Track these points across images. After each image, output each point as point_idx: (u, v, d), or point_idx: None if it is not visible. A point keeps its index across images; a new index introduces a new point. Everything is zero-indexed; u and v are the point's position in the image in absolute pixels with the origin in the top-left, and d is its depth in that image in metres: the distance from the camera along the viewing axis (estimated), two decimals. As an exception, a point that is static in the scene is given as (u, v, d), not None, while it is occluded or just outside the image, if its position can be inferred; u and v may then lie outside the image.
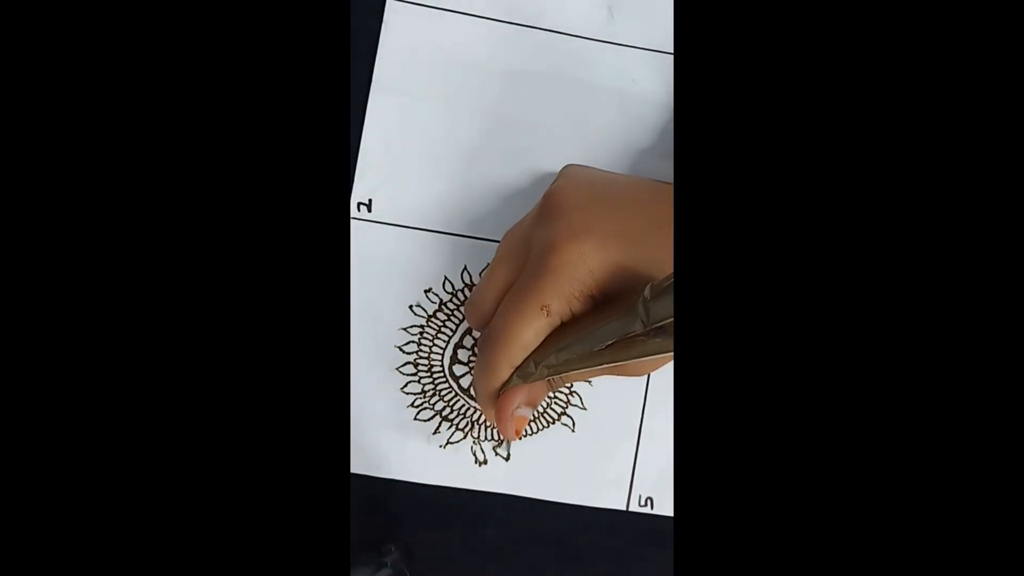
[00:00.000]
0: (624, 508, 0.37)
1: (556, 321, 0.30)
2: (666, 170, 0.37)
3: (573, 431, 0.37)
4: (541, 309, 0.29)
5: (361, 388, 0.36)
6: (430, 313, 0.36)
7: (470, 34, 0.37)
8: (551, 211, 0.31)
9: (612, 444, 0.37)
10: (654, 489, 0.37)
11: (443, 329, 0.37)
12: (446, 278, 0.37)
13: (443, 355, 0.37)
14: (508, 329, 0.30)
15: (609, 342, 0.28)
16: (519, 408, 0.31)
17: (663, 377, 0.37)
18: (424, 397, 0.36)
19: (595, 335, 0.28)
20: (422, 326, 0.37)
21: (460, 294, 0.37)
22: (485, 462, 0.36)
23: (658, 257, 0.30)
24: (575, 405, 0.37)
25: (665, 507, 0.37)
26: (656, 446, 0.37)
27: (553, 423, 0.37)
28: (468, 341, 0.37)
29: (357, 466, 0.36)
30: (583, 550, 0.37)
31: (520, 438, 0.32)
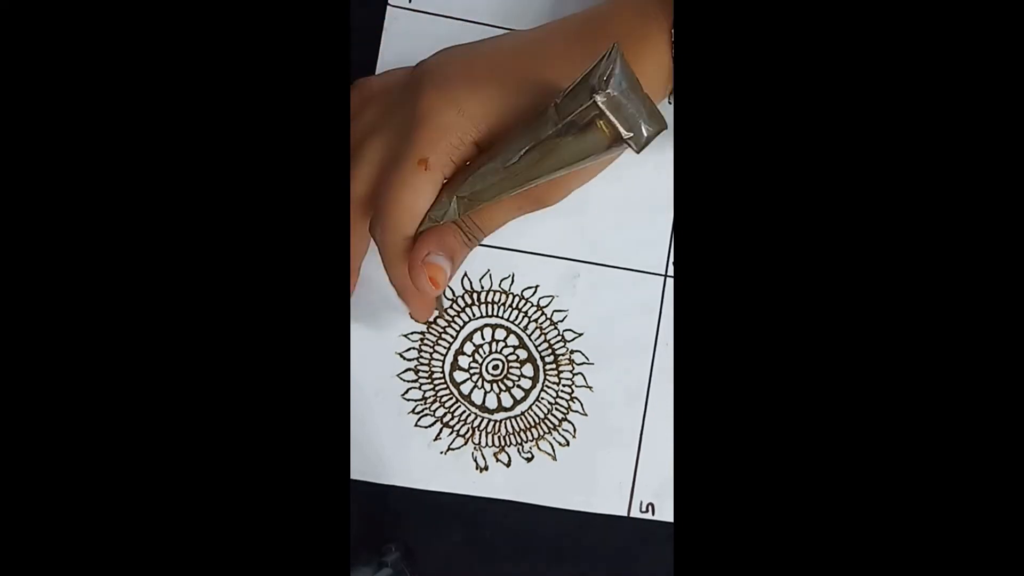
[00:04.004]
0: (625, 514, 0.37)
1: (438, 176, 0.28)
2: None
3: (574, 437, 0.37)
4: (419, 164, 0.28)
5: (361, 394, 0.36)
6: (431, 319, 0.37)
7: (470, 40, 0.37)
8: (415, 76, 0.30)
9: (613, 450, 0.37)
10: (656, 495, 0.37)
11: (444, 335, 0.37)
12: (447, 284, 0.37)
13: (444, 361, 0.37)
14: (389, 196, 0.28)
15: (521, 152, 0.26)
16: (431, 255, 0.29)
17: (664, 383, 0.37)
18: (425, 403, 0.36)
19: (507, 149, 0.27)
20: (423, 332, 0.37)
21: (461, 300, 0.37)
22: (486, 468, 0.36)
23: (542, 82, 0.28)
24: (576, 411, 0.37)
25: (666, 513, 0.37)
26: (657, 452, 0.37)
27: (554, 429, 0.37)
28: (468, 347, 0.37)
29: (358, 472, 0.36)
30: (583, 553, 0.36)
31: (438, 288, 0.30)
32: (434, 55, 0.31)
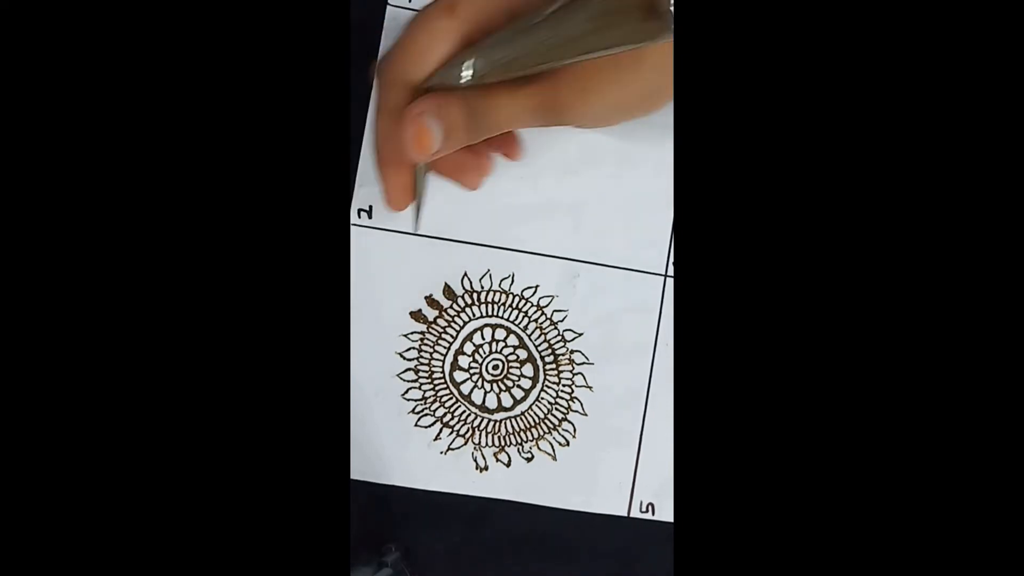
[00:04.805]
0: (625, 514, 0.37)
1: (461, 28, 0.26)
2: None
3: (574, 436, 0.37)
4: (445, 8, 0.26)
5: (361, 394, 0.36)
6: (431, 319, 0.37)
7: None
8: None
9: (613, 450, 0.37)
10: (656, 495, 0.37)
11: (444, 335, 0.37)
12: (447, 284, 0.37)
13: (444, 361, 0.37)
14: (405, 36, 0.26)
15: (550, 11, 0.24)
16: (426, 115, 0.26)
17: (664, 383, 0.37)
18: (425, 403, 0.36)
19: (535, 12, 0.25)
20: (423, 332, 0.37)
21: (461, 300, 0.37)
22: (486, 468, 0.36)
23: None
24: (576, 411, 0.37)
25: (666, 513, 0.37)
26: (657, 452, 0.37)
27: (554, 429, 0.37)
28: (468, 347, 0.37)
29: (358, 472, 0.36)
30: (583, 552, 0.37)
31: (421, 152, 0.27)
32: None
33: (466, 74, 0.26)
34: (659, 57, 0.27)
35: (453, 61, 0.26)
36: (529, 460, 0.37)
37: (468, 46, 0.26)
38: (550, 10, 0.24)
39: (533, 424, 0.37)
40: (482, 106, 0.27)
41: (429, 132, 0.26)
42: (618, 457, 0.37)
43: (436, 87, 0.26)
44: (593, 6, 0.24)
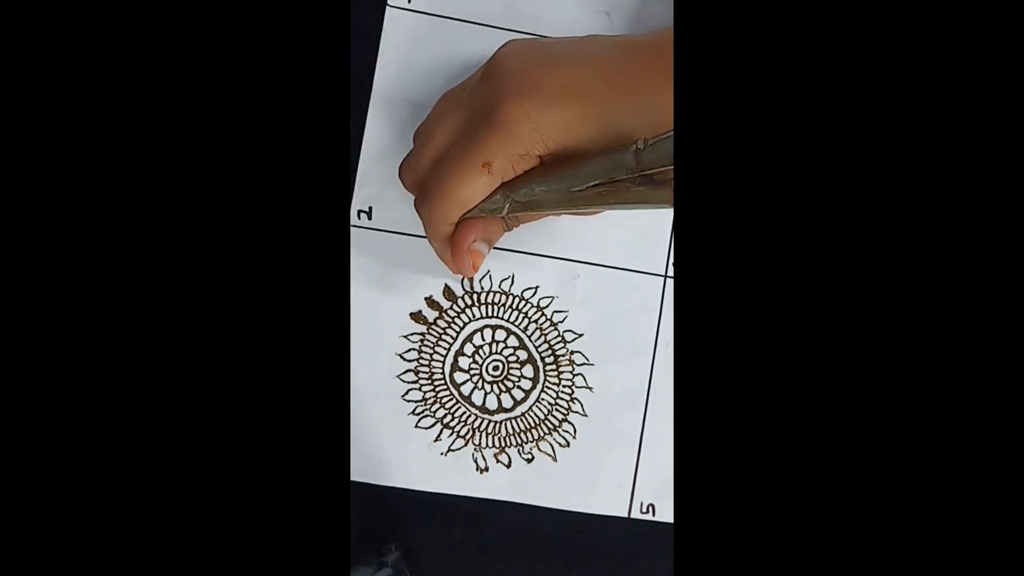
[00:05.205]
0: (626, 515, 0.37)
1: (497, 181, 0.29)
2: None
3: (574, 437, 0.37)
4: (483, 167, 0.29)
5: (362, 396, 0.36)
6: (431, 320, 0.37)
7: (470, 41, 0.37)
8: (495, 72, 0.30)
9: (613, 451, 0.37)
10: (656, 496, 0.37)
11: (444, 336, 0.37)
12: (447, 285, 0.37)
13: (444, 362, 0.37)
14: (445, 186, 0.30)
15: (590, 184, 0.27)
16: (475, 242, 0.31)
17: (664, 383, 0.37)
18: (425, 404, 0.36)
19: (576, 175, 0.28)
20: (423, 333, 0.37)
21: (461, 301, 0.37)
22: (486, 469, 0.36)
23: (618, 112, 0.28)
24: (576, 412, 0.37)
25: (666, 514, 0.37)
26: (657, 452, 0.37)
27: (555, 430, 0.37)
28: (468, 348, 0.37)
29: (358, 474, 0.36)
30: (584, 552, 0.37)
31: (477, 271, 0.33)
32: (510, 47, 0.31)
33: (503, 210, 0.30)
34: None
35: (490, 198, 0.30)
36: (529, 461, 0.36)
37: (501, 186, 0.30)
38: (589, 185, 0.28)
39: (533, 425, 0.37)
40: (513, 218, 0.32)
41: (479, 253, 0.32)
42: (618, 458, 0.37)
43: (474, 215, 0.31)
44: (631, 193, 0.27)
